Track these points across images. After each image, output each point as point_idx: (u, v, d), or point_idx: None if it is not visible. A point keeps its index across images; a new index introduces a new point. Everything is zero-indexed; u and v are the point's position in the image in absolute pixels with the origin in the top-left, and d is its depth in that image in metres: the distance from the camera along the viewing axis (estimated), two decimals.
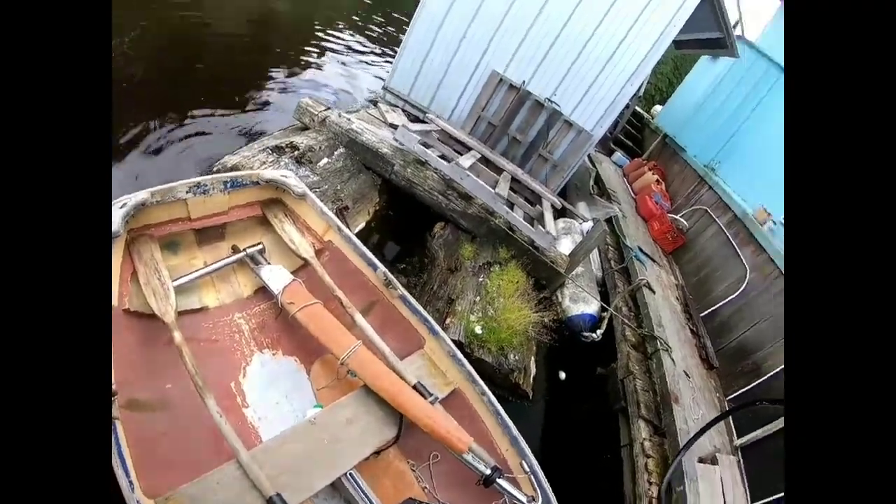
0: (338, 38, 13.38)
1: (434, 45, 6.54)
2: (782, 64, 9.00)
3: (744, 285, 5.92)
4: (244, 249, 3.19)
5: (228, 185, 3.16)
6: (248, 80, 7.58)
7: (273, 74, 8.17)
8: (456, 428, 2.50)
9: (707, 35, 7.21)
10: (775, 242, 5.93)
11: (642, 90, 11.41)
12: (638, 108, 14.04)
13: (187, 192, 2.93)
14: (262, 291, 3.21)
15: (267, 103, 6.84)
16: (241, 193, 3.28)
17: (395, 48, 12.61)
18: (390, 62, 11.98)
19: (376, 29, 17.45)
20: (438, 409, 2.66)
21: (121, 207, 2.51)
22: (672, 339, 4.91)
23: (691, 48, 9.10)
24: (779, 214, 6.45)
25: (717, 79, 10.26)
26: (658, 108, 14.77)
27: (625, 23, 5.95)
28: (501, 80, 6.24)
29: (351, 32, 14.91)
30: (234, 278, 3.26)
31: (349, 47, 12.96)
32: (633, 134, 13.23)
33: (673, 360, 4.58)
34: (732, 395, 4.97)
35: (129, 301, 2.59)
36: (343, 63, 11.14)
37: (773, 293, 5.49)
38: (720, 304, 6.06)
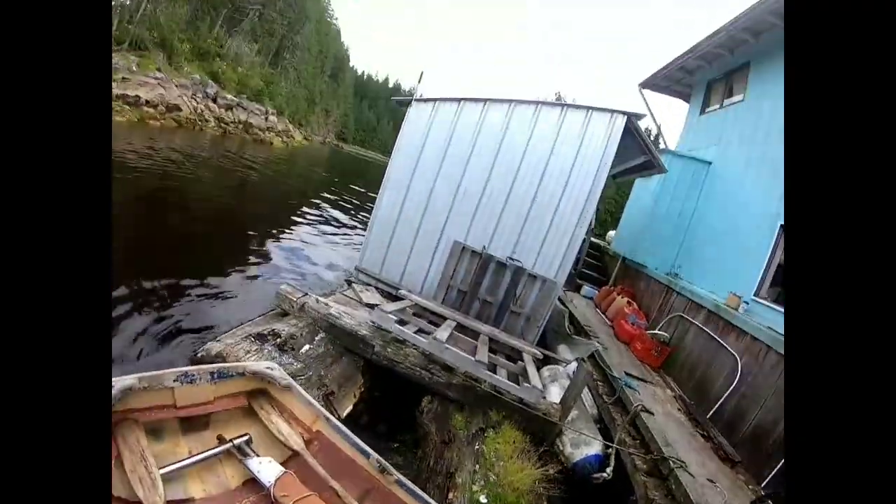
0: (311, 211, 14.38)
1: (397, 226, 7.17)
2: (706, 158, 10.13)
3: (739, 372, 5.98)
4: (231, 440, 3.18)
5: (215, 375, 3.28)
6: (228, 250, 8.19)
7: (250, 247, 8.83)
8: None
9: (635, 162, 8.02)
10: (753, 320, 6.13)
11: (593, 223, 12.20)
12: (594, 239, 14.87)
13: (174, 381, 3.03)
14: (251, 483, 3.13)
15: (245, 274, 7.35)
16: (227, 384, 3.38)
17: (366, 216, 13.13)
18: (361, 234, 12.73)
19: (346, 204, 18.76)
20: None
21: None
22: (685, 453, 4.80)
23: (626, 176, 10.03)
24: (748, 295, 6.79)
25: (653, 194, 11.16)
26: (612, 233, 15.67)
27: (563, 173, 6.73)
28: (464, 248, 6.76)
29: (323, 205, 15.98)
30: (220, 469, 3.19)
31: (322, 220, 13.90)
32: (595, 264, 13.87)
33: (691, 473, 4.43)
34: (767, 480, 4.76)
35: (113, 486, 2.53)
36: (317, 235, 11.97)
37: (768, 368, 5.56)
38: (723, 397, 6.05)
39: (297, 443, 3.30)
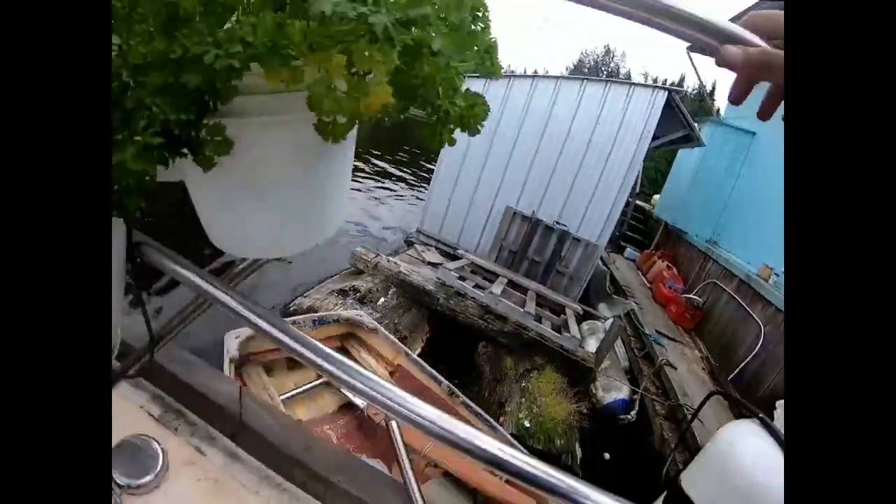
0: (364, 167, 14.81)
1: (454, 192, 7.97)
2: (751, 128, 9.93)
3: (761, 339, 6.40)
4: None
5: (316, 322, 4.11)
6: None
7: None
8: (524, 497, 3.11)
9: (676, 135, 8.34)
10: (780, 292, 6.48)
11: (638, 184, 12.45)
12: (640, 202, 14.93)
13: None
14: (344, 408, 3.85)
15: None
16: (324, 329, 4.18)
17: (415, 171, 13.00)
18: (414, 191, 13.24)
19: (398, 163, 19.08)
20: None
21: (236, 338, 3.35)
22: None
23: (667, 147, 10.24)
24: (780, 267, 6.98)
25: (697, 162, 11.24)
26: (657, 197, 15.56)
27: (606, 145, 7.29)
28: (515, 213, 7.47)
29: (375, 161, 16.42)
30: (319, 398, 3.85)
31: (377, 176, 14.41)
32: (639, 227, 14.13)
33: (701, 420, 4.93)
34: None
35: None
36: (372, 191, 12.68)
37: None
38: (745, 361, 6.48)
39: (382, 373, 4.09)
